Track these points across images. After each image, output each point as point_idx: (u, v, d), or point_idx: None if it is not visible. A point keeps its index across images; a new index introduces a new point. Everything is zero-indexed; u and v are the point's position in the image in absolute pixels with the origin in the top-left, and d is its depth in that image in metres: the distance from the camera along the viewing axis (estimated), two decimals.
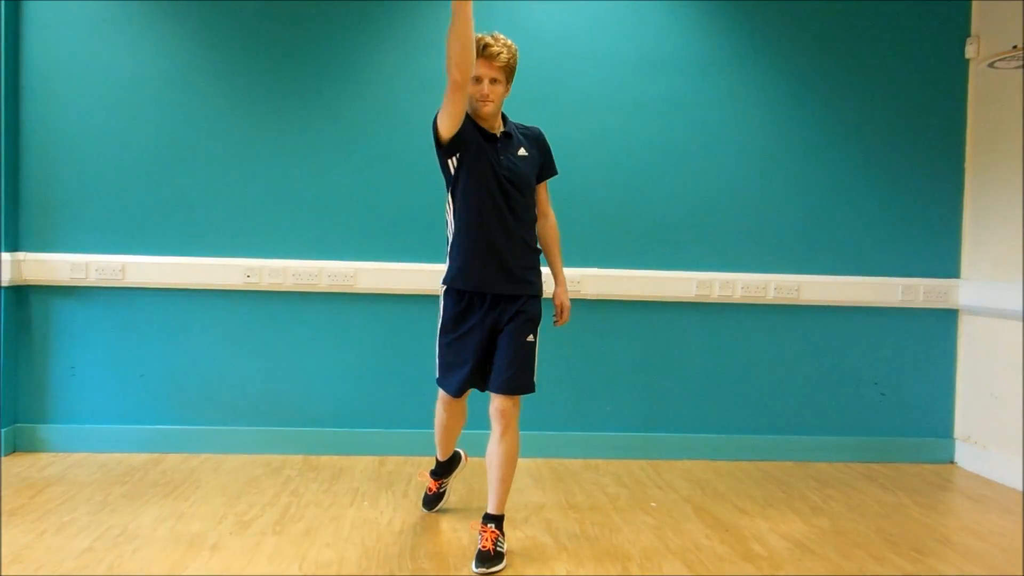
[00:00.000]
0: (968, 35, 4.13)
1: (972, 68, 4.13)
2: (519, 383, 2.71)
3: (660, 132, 4.02)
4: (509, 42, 2.68)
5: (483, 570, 2.63)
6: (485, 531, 2.72)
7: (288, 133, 3.89)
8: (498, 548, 2.68)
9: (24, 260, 3.77)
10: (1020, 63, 3.67)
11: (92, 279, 3.80)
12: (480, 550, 2.68)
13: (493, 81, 2.64)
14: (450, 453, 3.18)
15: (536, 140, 2.84)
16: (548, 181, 2.90)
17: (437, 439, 3.10)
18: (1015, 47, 3.62)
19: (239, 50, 3.87)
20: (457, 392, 2.83)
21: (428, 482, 3.24)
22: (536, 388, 2.77)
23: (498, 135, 2.74)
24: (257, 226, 3.88)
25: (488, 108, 2.67)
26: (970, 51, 4.11)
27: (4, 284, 3.67)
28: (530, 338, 2.73)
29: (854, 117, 4.11)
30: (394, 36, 3.91)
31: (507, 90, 2.73)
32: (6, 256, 3.68)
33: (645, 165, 4.01)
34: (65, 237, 3.81)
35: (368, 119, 3.91)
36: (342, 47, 3.90)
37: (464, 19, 2.42)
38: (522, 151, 2.77)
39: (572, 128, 3.96)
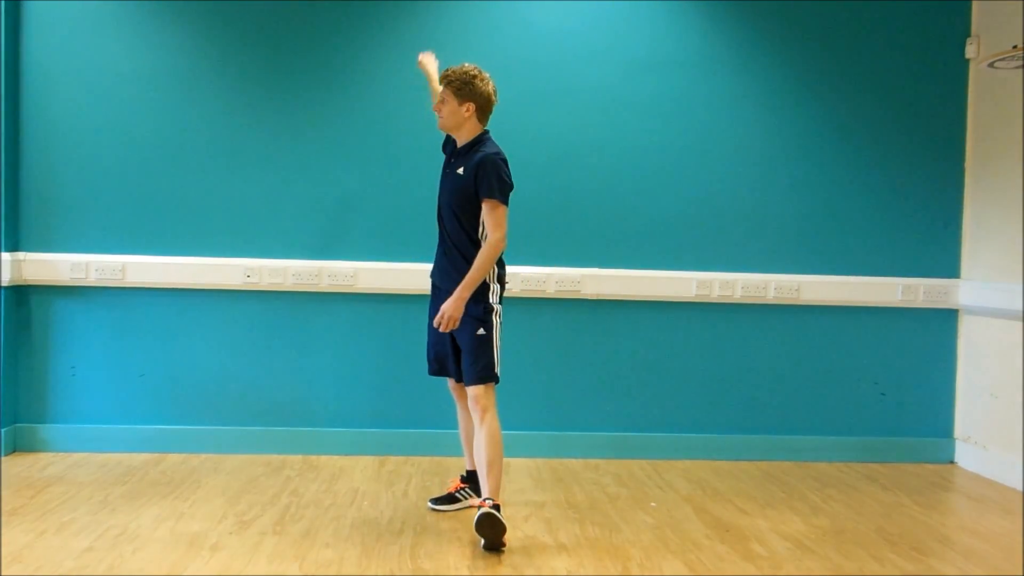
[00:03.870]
0: (968, 35, 4.13)
1: (972, 68, 4.13)
2: (475, 372, 2.93)
3: (660, 132, 4.01)
4: (464, 67, 2.96)
5: (488, 507, 2.75)
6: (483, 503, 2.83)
7: (288, 133, 3.89)
8: (493, 511, 2.78)
9: (24, 260, 3.77)
10: (1020, 63, 3.67)
11: (92, 279, 3.79)
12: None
13: (441, 100, 3.00)
14: (472, 464, 3.24)
15: (475, 163, 2.92)
16: (492, 202, 2.91)
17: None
18: (1015, 47, 3.62)
19: (239, 50, 3.86)
20: (430, 369, 3.18)
21: (455, 480, 3.31)
22: (498, 378, 2.96)
23: (456, 150, 3.05)
24: (257, 226, 3.88)
25: (438, 123, 3.04)
26: (970, 51, 4.11)
27: (4, 284, 3.67)
28: (480, 331, 2.93)
29: (854, 117, 4.11)
30: (394, 36, 3.91)
31: (463, 107, 2.95)
32: (6, 256, 3.68)
33: (645, 165, 4.01)
34: (65, 237, 3.81)
35: (368, 119, 3.91)
36: (342, 47, 3.90)
37: None
38: (460, 170, 2.97)
39: (572, 128, 3.96)
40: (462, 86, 2.93)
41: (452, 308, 2.88)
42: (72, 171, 3.80)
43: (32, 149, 3.79)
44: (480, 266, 2.88)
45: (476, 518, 2.76)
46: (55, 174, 3.80)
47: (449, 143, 3.13)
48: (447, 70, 2.98)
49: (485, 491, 2.86)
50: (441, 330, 2.92)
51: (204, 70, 3.85)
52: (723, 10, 4.03)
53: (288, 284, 3.86)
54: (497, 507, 2.80)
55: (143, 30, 3.82)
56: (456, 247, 2.98)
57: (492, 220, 2.91)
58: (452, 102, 2.95)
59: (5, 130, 3.70)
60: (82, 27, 3.79)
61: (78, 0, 3.78)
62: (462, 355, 2.98)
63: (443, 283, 3.02)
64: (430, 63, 3.33)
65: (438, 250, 3.09)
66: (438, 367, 3.13)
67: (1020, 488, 3.72)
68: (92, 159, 3.81)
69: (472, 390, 2.93)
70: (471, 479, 3.23)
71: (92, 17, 3.79)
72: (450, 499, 3.24)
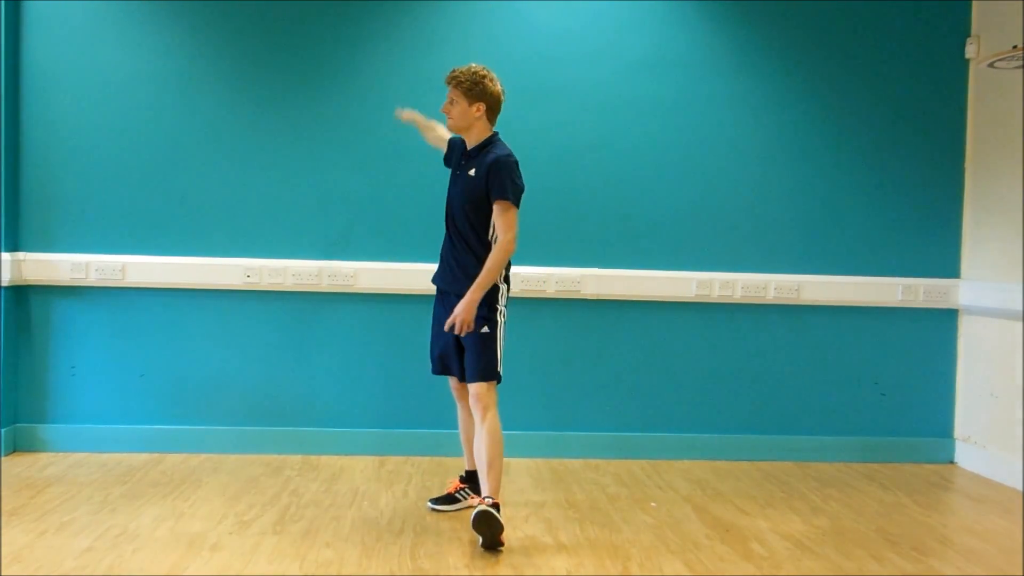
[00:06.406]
0: (968, 35, 4.13)
1: (972, 68, 4.13)
2: (478, 370, 2.94)
3: (660, 132, 4.02)
4: (472, 67, 2.96)
5: (486, 505, 2.76)
6: (482, 501, 2.82)
7: (288, 133, 3.89)
8: (491, 509, 2.77)
9: (24, 260, 3.77)
10: (1020, 63, 3.67)
11: (92, 279, 3.79)
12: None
13: (450, 101, 2.99)
14: (471, 464, 3.23)
15: (488, 164, 2.93)
16: (504, 203, 2.92)
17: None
18: (1015, 47, 3.62)
19: (239, 50, 3.86)
20: (433, 368, 3.18)
21: (454, 481, 3.31)
22: (501, 377, 2.97)
23: (466, 152, 3.05)
24: (257, 226, 3.88)
25: (448, 123, 3.04)
26: (970, 51, 4.11)
27: (4, 284, 3.67)
28: (484, 329, 2.94)
29: (854, 117, 4.11)
30: (394, 35, 3.91)
31: (473, 107, 2.96)
32: (6, 256, 3.68)
33: (645, 165, 4.01)
34: (65, 237, 3.81)
35: (368, 118, 3.91)
36: (342, 46, 3.90)
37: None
38: (472, 171, 2.97)
39: (572, 128, 3.96)
40: (472, 86, 2.93)
41: (465, 311, 2.88)
42: (72, 171, 3.80)
43: (32, 149, 3.79)
44: (491, 268, 2.89)
45: (473, 515, 2.76)
46: (55, 174, 3.80)
47: (454, 152, 3.13)
48: (454, 71, 2.97)
49: (485, 490, 2.86)
50: (456, 333, 2.91)
51: (204, 70, 3.85)
52: (723, 10, 4.03)
53: (288, 284, 3.86)
54: (496, 506, 2.80)
55: (143, 30, 3.82)
56: (468, 250, 2.98)
57: (503, 222, 2.91)
58: (462, 103, 2.96)
59: (5, 130, 3.70)
60: (82, 27, 3.79)
61: (78, 0, 3.78)
62: (465, 352, 2.98)
63: (450, 287, 3.02)
64: (413, 114, 3.29)
65: (444, 253, 3.08)
66: (441, 366, 3.13)
67: (1020, 488, 3.72)
68: (92, 159, 3.81)
69: (474, 387, 2.94)
70: (471, 479, 3.22)
71: (92, 17, 3.79)
72: (449, 499, 3.24)
